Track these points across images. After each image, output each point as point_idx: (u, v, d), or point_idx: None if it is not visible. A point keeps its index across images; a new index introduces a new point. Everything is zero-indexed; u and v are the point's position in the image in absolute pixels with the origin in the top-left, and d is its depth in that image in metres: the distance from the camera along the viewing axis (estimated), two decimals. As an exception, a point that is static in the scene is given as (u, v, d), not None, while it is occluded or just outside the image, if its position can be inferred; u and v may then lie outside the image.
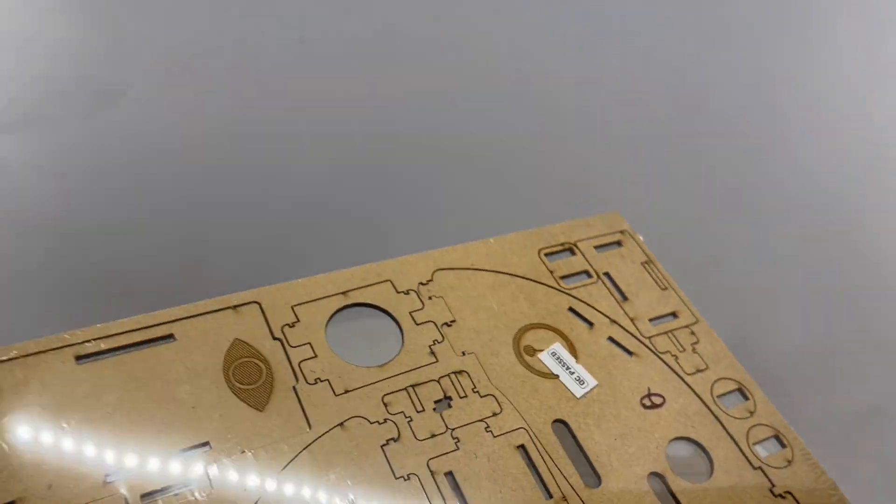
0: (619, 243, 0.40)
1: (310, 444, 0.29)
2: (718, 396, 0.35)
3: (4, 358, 0.28)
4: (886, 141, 0.41)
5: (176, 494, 0.26)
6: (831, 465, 0.50)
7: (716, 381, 0.36)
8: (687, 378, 0.35)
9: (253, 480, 0.27)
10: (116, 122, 0.42)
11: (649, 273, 0.39)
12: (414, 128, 0.54)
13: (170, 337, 0.32)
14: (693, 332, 0.37)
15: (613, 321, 0.36)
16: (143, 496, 0.26)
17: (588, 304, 0.36)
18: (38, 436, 0.26)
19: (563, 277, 0.37)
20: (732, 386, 0.36)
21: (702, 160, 0.52)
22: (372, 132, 0.53)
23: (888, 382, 0.44)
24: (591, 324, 0.35)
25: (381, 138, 0.54)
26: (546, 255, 0.38)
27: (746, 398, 0.36)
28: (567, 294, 0.36)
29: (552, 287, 0.37)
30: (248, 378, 0.30)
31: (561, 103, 0.53)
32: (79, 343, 0.31)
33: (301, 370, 0.31)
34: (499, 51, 0.50)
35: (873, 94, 0.40)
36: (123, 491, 0.25)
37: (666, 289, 0.39)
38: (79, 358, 0.30)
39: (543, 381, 0.32)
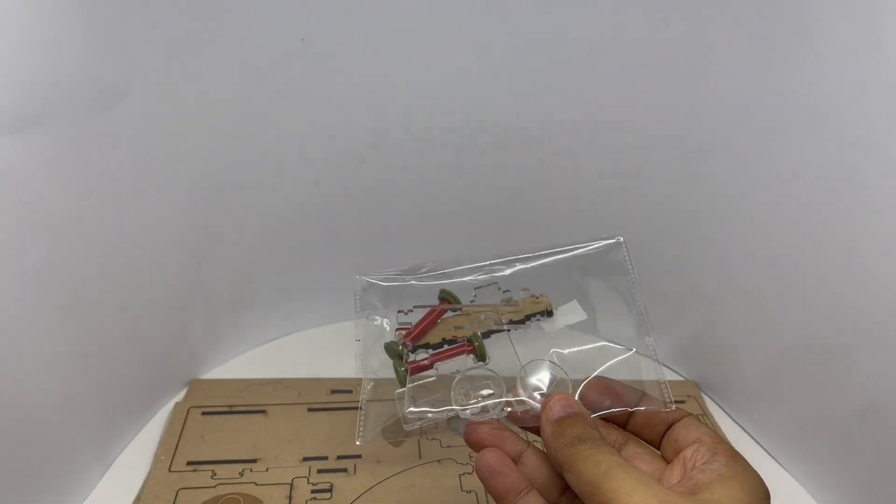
0: None
1: None
2: None
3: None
4: (879, 138, 0.41)
5: None
6: (828, 462, 0.50)
7: None
8: None
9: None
10: (117, 122, 0.42)
11: None
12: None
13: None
14: None
15: None
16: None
17: None
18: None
19: None
20: None
21: (699, 161, 0.52)
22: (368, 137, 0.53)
23: (883, 381, 0.44)
24: None
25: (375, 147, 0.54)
26: None
27: None
28: None
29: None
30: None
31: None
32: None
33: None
34: (499, 50, 0.50)
35: (867, 94, 0.41)
36: None
37: None
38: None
39: None
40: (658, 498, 0.27)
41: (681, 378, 0.61)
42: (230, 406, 0.54)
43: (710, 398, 0.59)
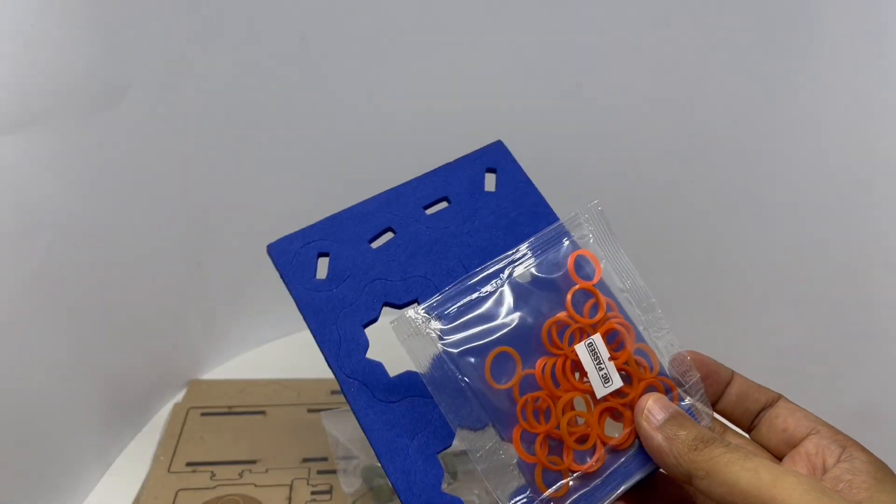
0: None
1: None
2: None
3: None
4: (879, 139, 0.41)
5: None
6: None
7: None
8: None
9: None
10: (117, 122, 0.42)
11: None
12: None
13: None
14: None
15: None
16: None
17: None
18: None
19: None
20: None
21: (699, 161, 0.52)
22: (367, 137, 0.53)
23: (883, 381, 0.44)
24: None
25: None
26: None
27: None
28: None
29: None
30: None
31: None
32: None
33: None
34: (499, 50, 0.50)
35: (870, 95, 0.41)
36: None
37: None
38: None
39: None
40: None
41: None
42: (229, 407, 0.54)
43: (710, 399, 0.59)
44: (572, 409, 0.30)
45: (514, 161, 0.38)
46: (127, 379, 0.50)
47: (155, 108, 0.44)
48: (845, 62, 0.41)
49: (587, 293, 0.32)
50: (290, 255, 0.36)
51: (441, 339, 0.30)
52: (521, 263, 0.32)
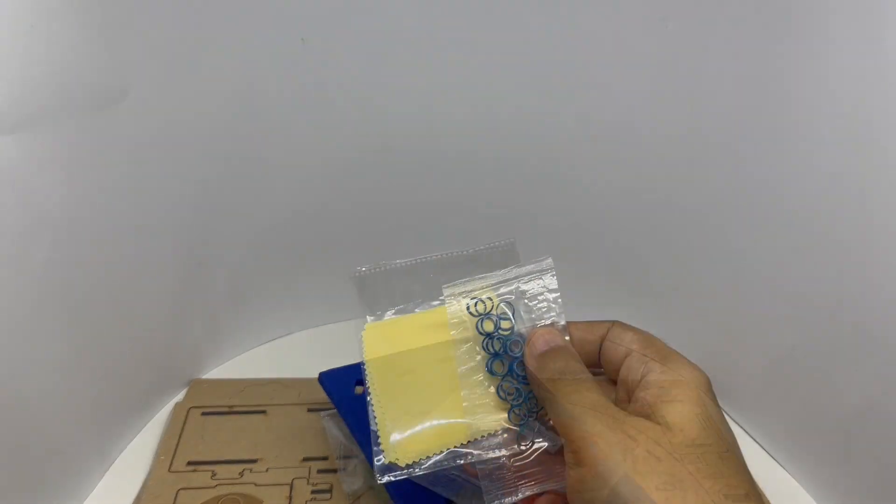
0: None
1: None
2: None
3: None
4: (879, 139, 0.41)
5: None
6: (828, 462, 0.50)
7: None
8: None
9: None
10: (117, 122, 0.42)
11: None
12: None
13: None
14: None
15: None
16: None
17: None
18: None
19: None
20: None
21: (699, 161, 0.52)
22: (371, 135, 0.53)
23: (883, 381, 0.44)
24: None
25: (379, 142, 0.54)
26: None
27: None
28: None
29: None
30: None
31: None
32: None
33: None
34: (498, 50, 0.50)
35: (870, 95, 0.41)
36: None
37: None
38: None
39: None
40: (622, 448, 0.26)
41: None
42: (230, 406, 0.54)
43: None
44: None
45: None
46: (127, 378, 0.51)
47: (155, 108, 0.44)
48: (845, 62, 0.41)
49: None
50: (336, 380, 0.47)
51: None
52: None
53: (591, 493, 0.26)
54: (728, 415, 0.57)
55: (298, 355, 0.61)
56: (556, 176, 0.57)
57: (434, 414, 0.33)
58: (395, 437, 0.33)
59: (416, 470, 0.33)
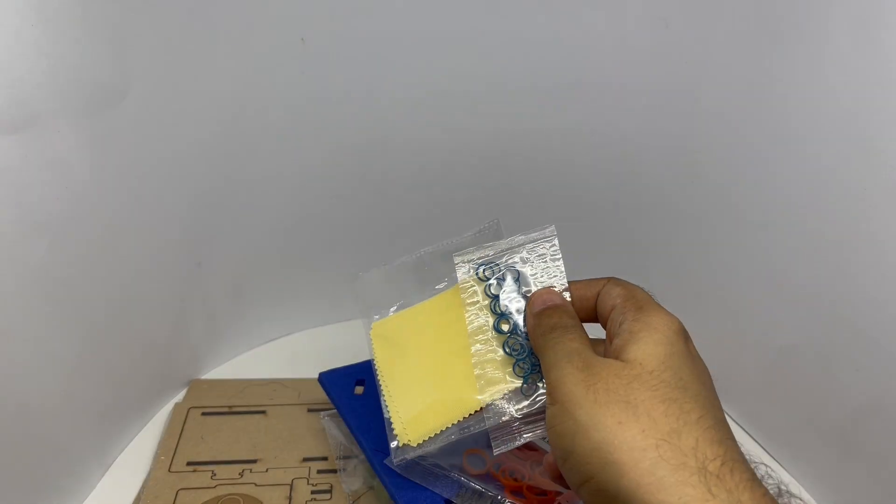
0: None
1: None
2: None
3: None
4: (878, 139, 0.41)
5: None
6: (828, 462, 0.50)
7: None
8: None
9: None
10: (117, 122, 0.42)
11: None
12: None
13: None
14: None
15: None
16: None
17: None
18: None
19: None
20: None
21: (698, 162, 0.52)
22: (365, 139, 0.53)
23: (883, 381, 0.44)
24: None
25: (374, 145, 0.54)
26: None
27: None
28: None
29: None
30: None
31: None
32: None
33: None
34: (498, 51, 0.50)
35: (868, 95, 0.41)
36: None
37: None
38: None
39: None
40: (585, 384, 0.29)
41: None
42: (230, 406, 0.54)
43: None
44: None
45: None
46: (127, 379, 0.51)
47: (155, 108, 0.44)
48: (845, 62, 0.41)
49: None
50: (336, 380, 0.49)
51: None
52: None
53: (562, 426, 0.29)
54: (728, 415, 0.57)
55: (298, 355, 0.61)
56: (556, 176, 0.57)
57: (443, 390, 0.37)
58: (406, 418, 0.37)
59: (430, 446, 0.36)
